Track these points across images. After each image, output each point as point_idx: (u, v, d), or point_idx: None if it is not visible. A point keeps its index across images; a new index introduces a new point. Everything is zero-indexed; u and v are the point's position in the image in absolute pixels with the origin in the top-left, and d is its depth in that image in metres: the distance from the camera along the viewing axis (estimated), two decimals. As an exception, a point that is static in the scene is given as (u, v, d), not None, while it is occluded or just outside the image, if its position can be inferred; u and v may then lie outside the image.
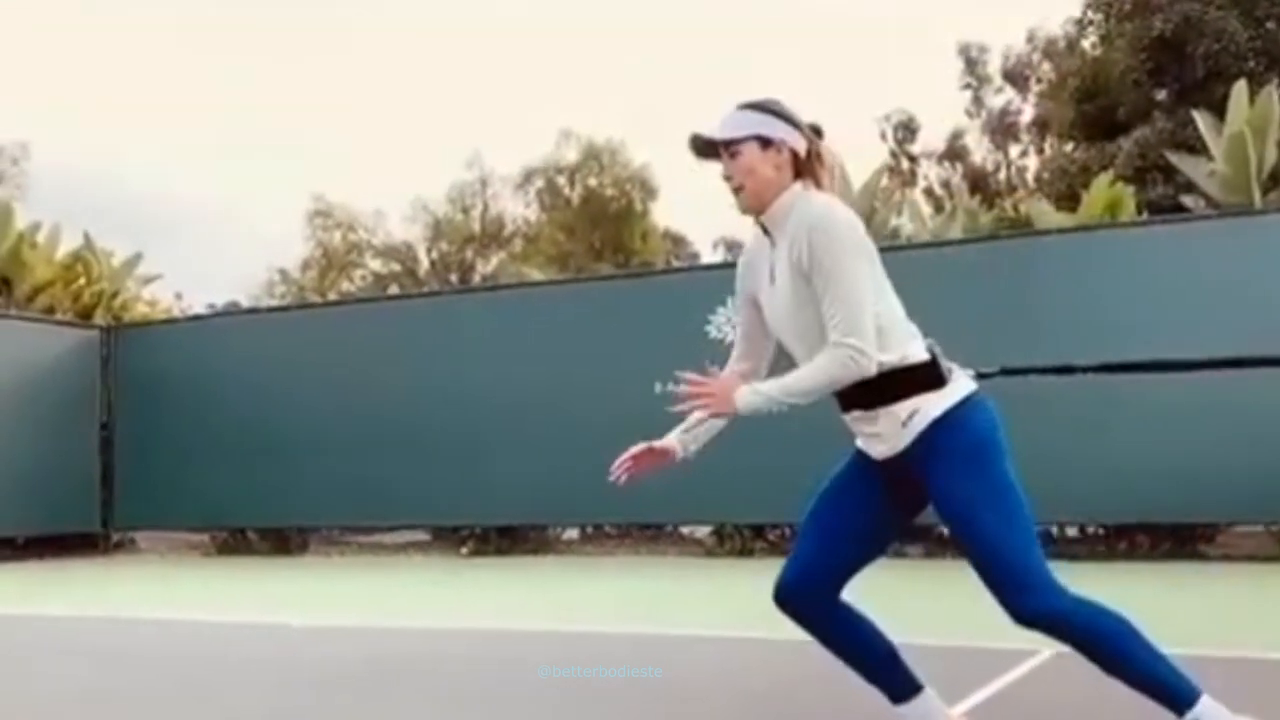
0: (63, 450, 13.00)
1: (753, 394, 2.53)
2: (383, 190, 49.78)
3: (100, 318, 15.86)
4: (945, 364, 2.56)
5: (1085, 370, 8.39)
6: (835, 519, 2.67)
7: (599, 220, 30.35)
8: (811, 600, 2.66)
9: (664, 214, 31.82)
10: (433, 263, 31.37)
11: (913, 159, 31.89)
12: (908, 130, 31.78)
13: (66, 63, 44.76)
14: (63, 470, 12.90)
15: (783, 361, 2.75)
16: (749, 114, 2.65)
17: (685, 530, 12.01)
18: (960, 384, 2.57)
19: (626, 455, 2.83)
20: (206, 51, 47.29)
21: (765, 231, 2.69)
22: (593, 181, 30.82)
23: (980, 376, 2.73)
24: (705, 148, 2.66)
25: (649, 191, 30.84)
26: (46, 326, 14.11)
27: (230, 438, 12.46)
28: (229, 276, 35.33)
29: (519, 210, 31.86)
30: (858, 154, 27.75)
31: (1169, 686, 2.43)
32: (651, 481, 10.98)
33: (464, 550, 12.14)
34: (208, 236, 41.48)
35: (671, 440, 2.83)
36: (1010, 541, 2.41)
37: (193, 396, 12.79)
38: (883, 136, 31.78)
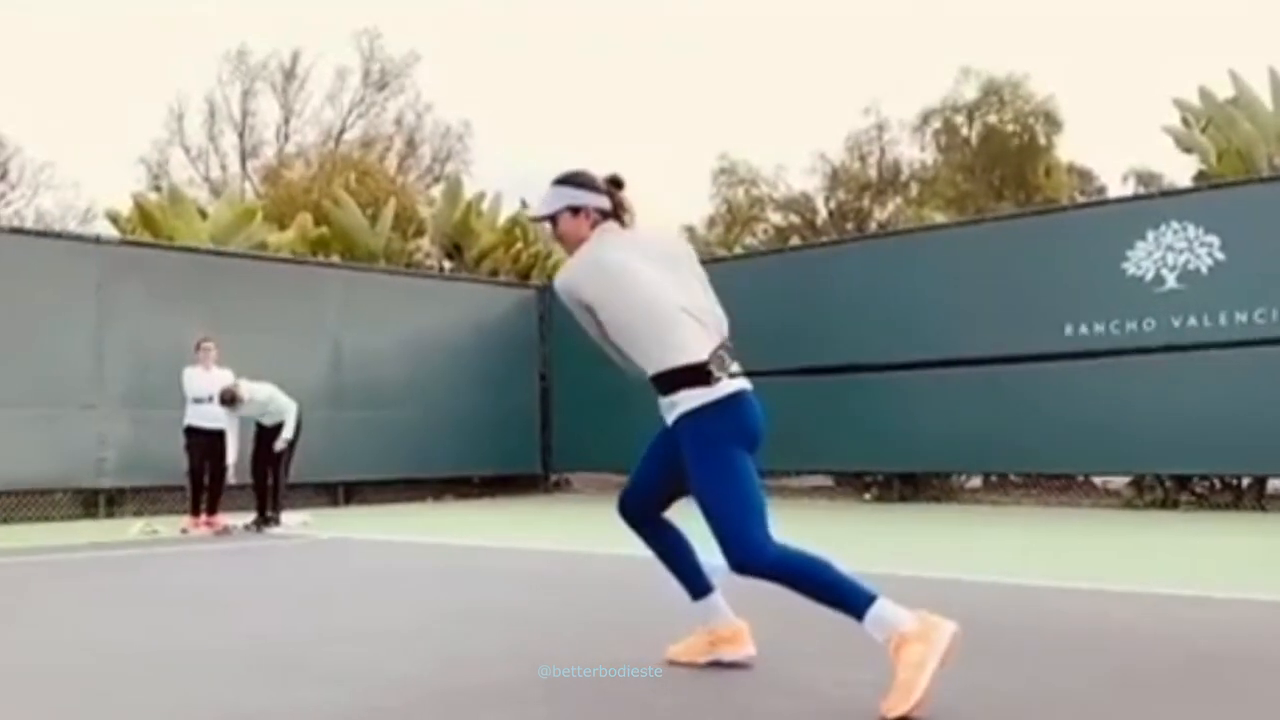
0: (509, 400, 14.64)
1: None
2: (784, 145, 50.35)
3: (536, 278, 17.50)
4: (718, 371, 3.14)
5: None
6: (650, 461, 3.49)
7: (999, 158, 29.07)
8: (640, 514, 3.51)
9: (1069, 148, 29.89)
10: (830, 212, 31.54)
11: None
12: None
13: (494, 44, 49.03)
14: (509, 418, 14.52)
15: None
16: (560, 189, 3.42)
17: (1098, 481, 11.59)
18: (720, 388, 3.13)
19: None
20: (620, 23, 50.00)
21: None
22: (992, 118, 29.54)
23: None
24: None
25: (1053, 125, 29.09)
26: (492, 287, 15.87)
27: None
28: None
29: (915, 154, 31.26)
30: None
31: (848, 598, 2.95)
32: (1062, 430, 10.75)
33: (867, 496, 12.43)
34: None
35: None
36: (727, 512, 3.07)
37: (617, 350, 13.88)
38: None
